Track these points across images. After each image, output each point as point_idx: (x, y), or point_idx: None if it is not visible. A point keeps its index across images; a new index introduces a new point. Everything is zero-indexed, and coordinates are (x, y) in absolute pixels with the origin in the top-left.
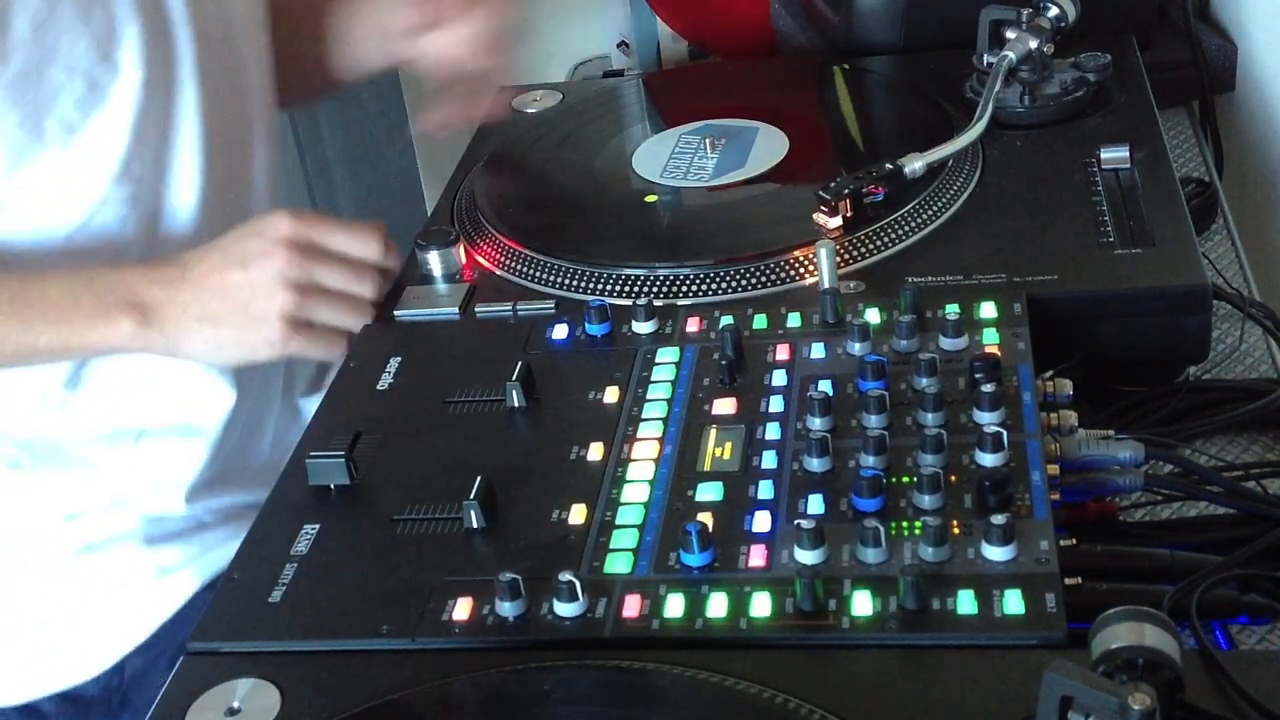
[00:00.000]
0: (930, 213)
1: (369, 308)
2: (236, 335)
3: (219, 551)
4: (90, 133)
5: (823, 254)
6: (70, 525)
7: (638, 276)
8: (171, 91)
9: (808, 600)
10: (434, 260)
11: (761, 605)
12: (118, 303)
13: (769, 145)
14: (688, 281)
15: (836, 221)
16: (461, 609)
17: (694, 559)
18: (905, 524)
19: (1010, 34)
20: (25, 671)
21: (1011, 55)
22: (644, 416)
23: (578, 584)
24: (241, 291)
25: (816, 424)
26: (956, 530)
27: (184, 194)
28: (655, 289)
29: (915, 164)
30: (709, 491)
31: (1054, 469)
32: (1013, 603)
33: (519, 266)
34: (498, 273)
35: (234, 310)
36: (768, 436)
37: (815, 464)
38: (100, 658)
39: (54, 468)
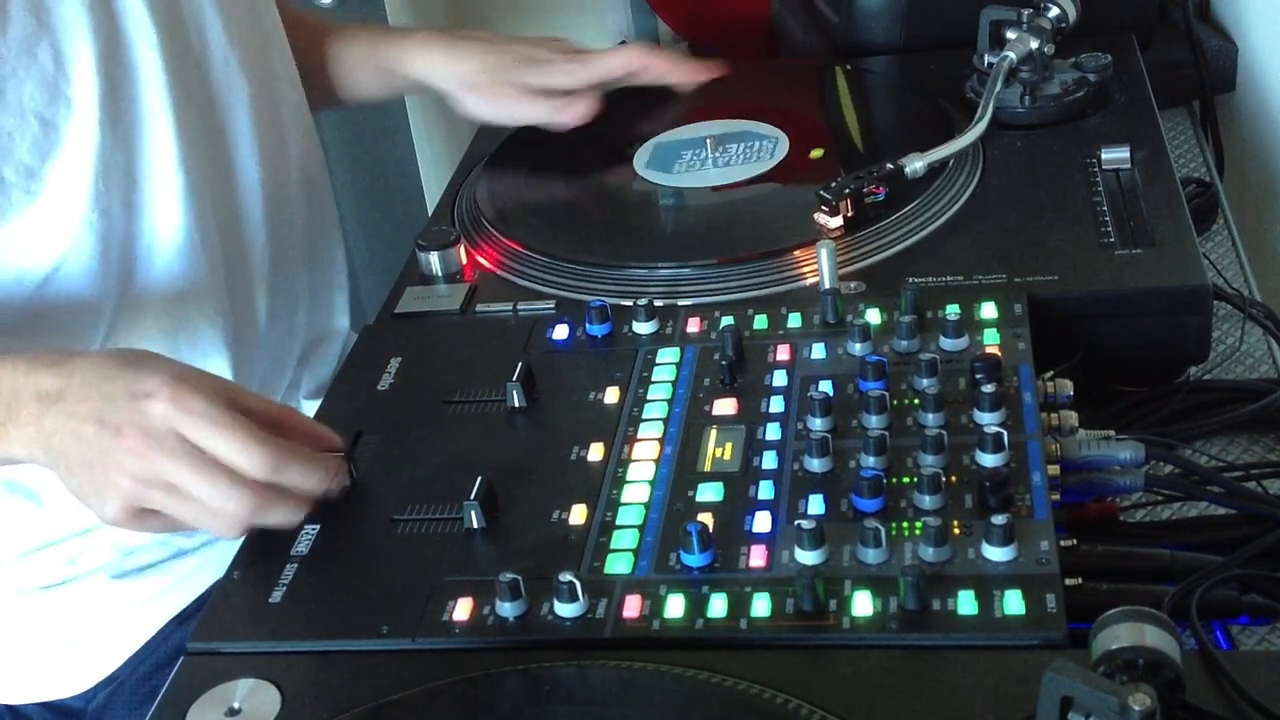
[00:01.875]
0: (931, 213)
1: (231, 521)
2: (79, 488)
3: (192, 583)
4: (53, 174)
5: (823, 254)
6: (41, 556)
7: (638, 276)
8: (134, 121)
9: (808, 600)
10: (434, 260)
11: (762, 605)
12: (3, 419)
13: (769, 145)
14: (688, 281)
15: (837, 221)
16: (461, 609)
17: (694, 559)
18: (905, 524)
19: (1011, 34)
20: (12, 677)
21: (1012, 55)
22: (644, 417)
23: (578, 584)
24: (89, 450)
25: (817, 424)
26: (957, 530)
27: (163, 225)
28: (656, 289)
29: (916, 164)
30: (709, 492)
31: (1054, 469)
32: (1013, 603)
33: (519, 266)
34: (498, 273)
35: (81, 465)
36: (768, 437)
37: (815, 464)
38: (76, 681)
39: (21, 497)
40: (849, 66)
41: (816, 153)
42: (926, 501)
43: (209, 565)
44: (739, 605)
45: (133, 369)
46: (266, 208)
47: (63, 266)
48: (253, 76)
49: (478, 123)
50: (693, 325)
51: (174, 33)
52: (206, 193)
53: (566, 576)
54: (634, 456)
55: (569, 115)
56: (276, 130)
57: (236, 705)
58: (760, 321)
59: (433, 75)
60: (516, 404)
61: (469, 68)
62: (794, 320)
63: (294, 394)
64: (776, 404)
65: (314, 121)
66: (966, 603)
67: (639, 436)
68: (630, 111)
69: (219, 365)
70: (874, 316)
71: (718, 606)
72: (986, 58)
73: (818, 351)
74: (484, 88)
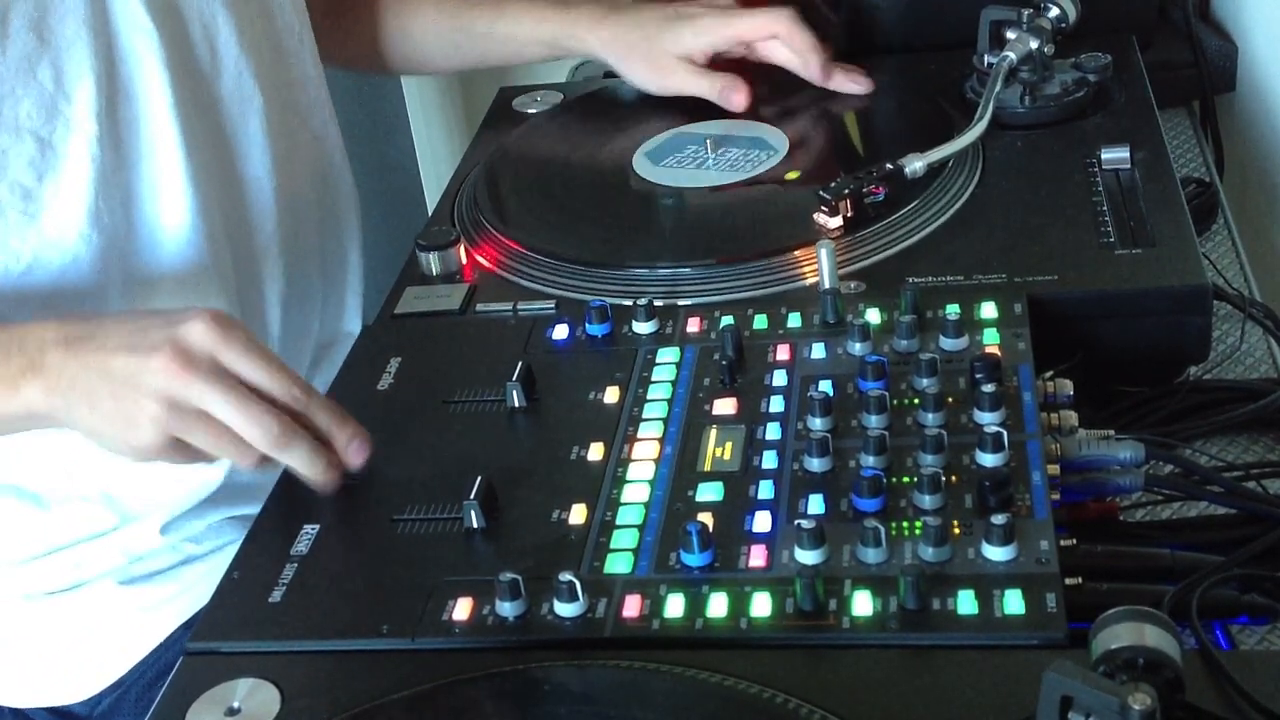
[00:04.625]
0: (930, 213)
1: (253, 451)
2: (108, 427)
3: (200, 589)
4: (50, 192)
5: (823, 254)
6: (47, 561)
7: (638, 276)
8: (135, 138)
9: (808, 600)
10: (434, 260)
11: (761, 605)
12: (24, 368)
13: (769, 145)
14: (688, 281)
15: (837, 221)
16: (461, 609)
17: (694, 559)
18: (905, 524)
19: (1011, 34)
20: (17, 682)
21: (1012, 56)
22: (644, 416)
23: (578, 584)
24: (119, 383)
25: (817, 424)
26: (957, 530)
27: (167, 240)
28: (656, 289)
29: (915, 164)
30: (709, 491)
31: (1054, 469)
32: (1013, 603)
33: (519, 266)
34: (498, 273)
35: (110, 398)
36: (768, 436)
37: (815, 464)
38: (81, 687)
39: (27, 501)
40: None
41: (792, 175)
42: (926, 501)
43: (217, 571)
44: (739, 605)
45: (155, 318)
46: (279, 214)
47: (60, 282)
48: (266, 83)
49: (646, 91)
50: (693, 325)
51: (180, 46)
52: (215, 205)
53: (566, 576)
54: (634, 456)
55: (732, 102)
56: (290, 135)
57: (236, 705)
58: (760, 321)
59: (598, 47)
60: (516, 404)
61: (630, 35)
62: (794, 320)
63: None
64: (776, 404)
65: (334, 119)
66: (966, 602)
67: (639, 436)
68: (630, 110)
69: None
70: (874, 316)
71: (718, 606)
72: (986, 58)
73: (818, 351)
74: (643, 55)
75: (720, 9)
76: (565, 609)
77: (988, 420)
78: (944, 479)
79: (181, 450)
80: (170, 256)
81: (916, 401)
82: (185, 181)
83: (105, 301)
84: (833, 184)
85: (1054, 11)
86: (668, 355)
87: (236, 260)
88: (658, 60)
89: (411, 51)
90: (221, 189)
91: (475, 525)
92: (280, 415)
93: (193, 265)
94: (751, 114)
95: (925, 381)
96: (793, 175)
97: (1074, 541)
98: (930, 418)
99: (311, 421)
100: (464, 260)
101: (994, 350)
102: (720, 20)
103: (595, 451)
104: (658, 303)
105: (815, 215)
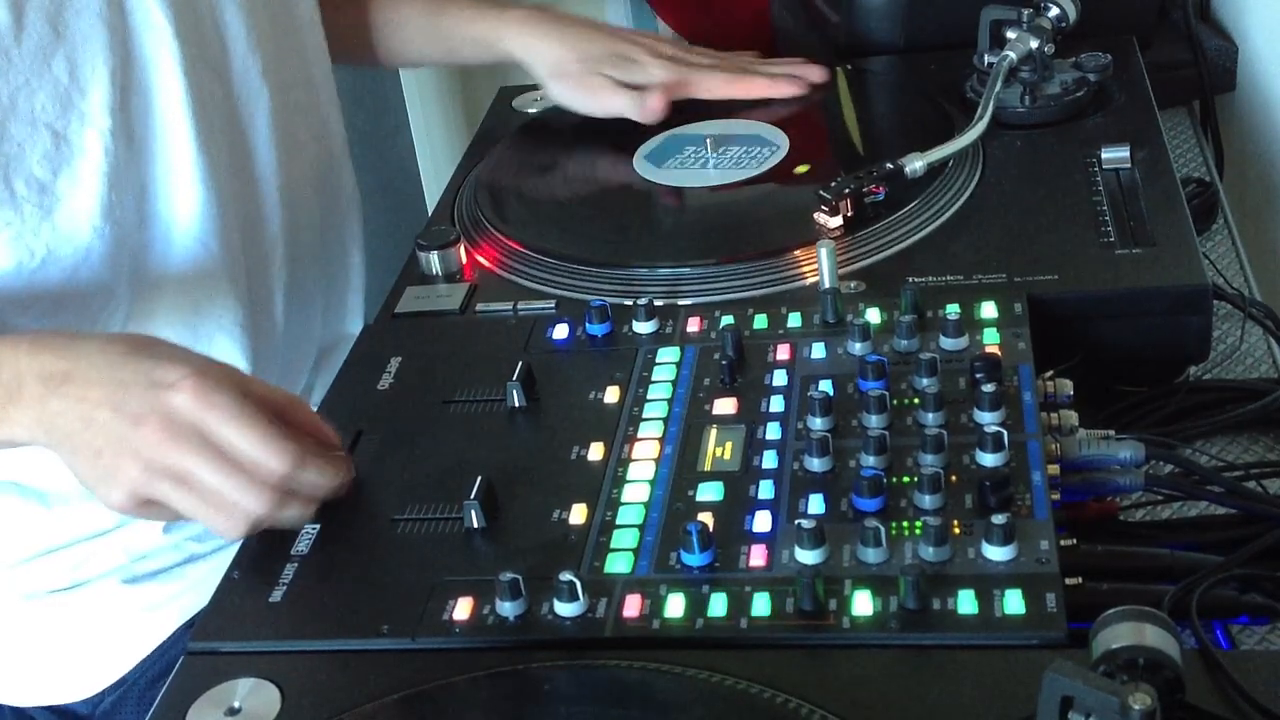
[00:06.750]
0: (930, 213)
1: (243, 517)
2: (85, 473)
3: (203, 588)
4: (64, 186)
5: (823, 254)
6: (49, 559)
7: (638, 276)
8: (148, 132)
9: (808, 600)
10: (434, 260)
11: (762, 605)
12: (3, 400)
13: (769, 145)
14: (688, 281)
15: (837, 221)
16: (461, 609)
17: (694, 559)
18: (906, 524)
19: (1011, 34)
20: (18, 681)
21: (1012, 55)
22: (644, 416)
23: (578, 584)
24: (98, 436)
25: (817, 424)
26: (957, 530)
27: (178, 234)
28: (656, 289)
29: (916, 164)
30: (709, 491)
31: (1054, 469)
32: (1013, 603)
33: (519, 266)
34: (498, 272)
35: (89, 449)
36: (768, 436)
37: (816, 464)
38: (83, 686)
39: (30, 499)
40: (849, 66)
41: (802, 169)
42: (926, 501)
43: (220, 570)
44: (739, 605)
45: (149, 357)
46: (284, 211)
47: (72, 277)
48: (273, 81)
49: (564, 107)
50: (693, 325)
51: (194, 42)
52: (225, 201)
53: (566, 576)
54: (634, 456)
55: (650, 114)
56: (293, 133)
57: (236, 705)
58: (760, 321)
59: (527, 55)
60: (516, 404)
61: (563, 55)
62: (794, 320)
63: (307, 399)
64: (776, 403)
65: (339, 118)
66: (966, 602)
67: (639, 436)
68: None
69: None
70: (874, 316)
71: (718, 606)
72: (986, 57)
73: (818, 351)
74: (574, 77)
75: (666, 59)
76: (565, 609)
77: (988, 420)
78: (944, 479)
79: (157, 510)
80: (181, 252)
81: (916, 401)
82: (197, 176)
83: (114, 298)
84: (833, 184)
85: (1054, 11)
86: (668, 355)
87: (245, 258)
88: (586, 84)
89: (396, 45)
90: (231, 185)
91: (475, 525)
92: (266, 488)
93: (203, 262)
94: (751, 114)
95: (925, 381)
96: (802, 169)
97: (1074, 541)
98: (930, 418)
99: (297, 485)
100: (464, 260)
101: (994, 350)
102: (664, 76)
103: (595, 451)
104: (658, 303)
105: (815, 215)
